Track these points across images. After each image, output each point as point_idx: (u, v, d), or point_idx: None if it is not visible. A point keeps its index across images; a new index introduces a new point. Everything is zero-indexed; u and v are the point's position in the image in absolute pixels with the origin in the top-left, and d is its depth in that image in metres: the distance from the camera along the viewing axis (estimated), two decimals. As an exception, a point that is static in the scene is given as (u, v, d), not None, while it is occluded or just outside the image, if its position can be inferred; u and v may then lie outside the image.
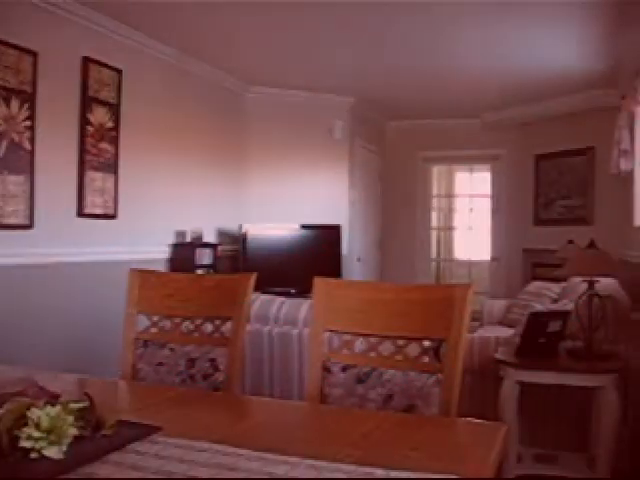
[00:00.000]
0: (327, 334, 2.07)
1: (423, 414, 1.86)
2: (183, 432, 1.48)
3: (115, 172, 5.02)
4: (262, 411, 1.91)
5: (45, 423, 1.26)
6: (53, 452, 1.25)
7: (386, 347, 1.99)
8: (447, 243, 10.09)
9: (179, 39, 5.37)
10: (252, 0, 4.39)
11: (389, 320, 1.98)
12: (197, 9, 4.60)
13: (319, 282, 2.10)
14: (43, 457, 1.24)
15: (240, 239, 6.47)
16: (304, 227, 6.75)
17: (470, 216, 9.24)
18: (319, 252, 6.75)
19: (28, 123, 4.21)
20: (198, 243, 5.85)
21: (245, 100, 6.98)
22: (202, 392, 2.16)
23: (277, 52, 5.72)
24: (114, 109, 5.00)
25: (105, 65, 4.89)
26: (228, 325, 2.23)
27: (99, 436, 1.38)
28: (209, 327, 2.27)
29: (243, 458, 1.33)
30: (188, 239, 5.85)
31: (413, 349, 1.94)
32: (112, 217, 5.02)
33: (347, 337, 2.04)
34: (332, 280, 2.15)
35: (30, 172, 4.23)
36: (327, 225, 6.89)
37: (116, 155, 5.03)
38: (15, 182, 4.13)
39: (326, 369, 2.03)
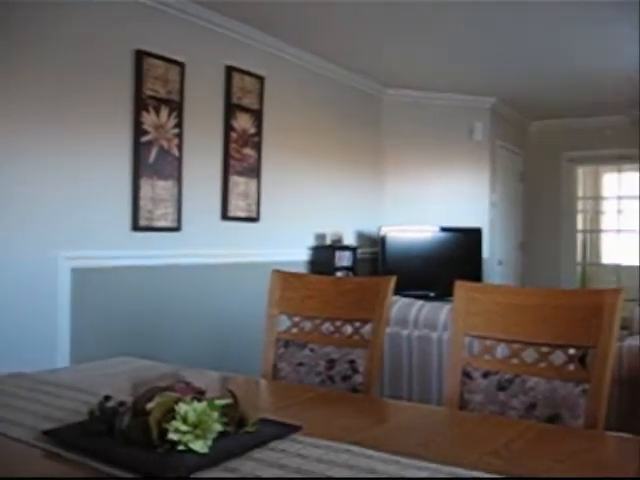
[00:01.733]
0: (467, 339, 2.02)
1: (568, 425, 1.79)
2: (322, 432, 1.49)
3: (257, 176, 5.17)
4: (400, 414, 1.90)
5: (192, 418, 1.31)
6: (199, 446, 1.29)
7: (529, 354, 1.92)
8: (594, 246, 9.63)
9: (318, 45, 5.45)
10: (391, 1, 4.38)
11: (532, 326, 1.92)
12: (336, 15, 4.65)
13: (460, 286, 2.07)
14: (189, 450, 1.29)
15: (379, 242, 6.47)
16: (444, 230, 6.66)
17: (619, 218, 8.78)
18: (459, 255, 6.64)
19: (176, 131, 4.41)
20: (338, 246, 5.90)
21: (382, 102, 6.98)
22: (341, 393, 2.17)
23: (417, 54, 5.68)
24: (256, 115, 5.14)
25: (247, 73, 5.04)
26: (368, 327, 2.24)
27: (242, 433, 1.42)
28: (349, 329, 2.28)
29: (381, 461, 1.32)
30: (328, 242, 5.92)
31: (558, 357, 1.87)
32: (255, 220, 5.16)
33: (488, 342, 1.99)
34: (473, 284, 2.10)
35: (178, 177, 4.44)
36: (467, 228, 6.76)
37: (258, 160, 5.17)
38: (164, 187, 4.33)
39: (466, 374, 1.99)
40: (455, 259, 6.57)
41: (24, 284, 3.59)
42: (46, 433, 1.43)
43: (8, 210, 3.51)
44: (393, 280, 2.25)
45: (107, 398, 1.48)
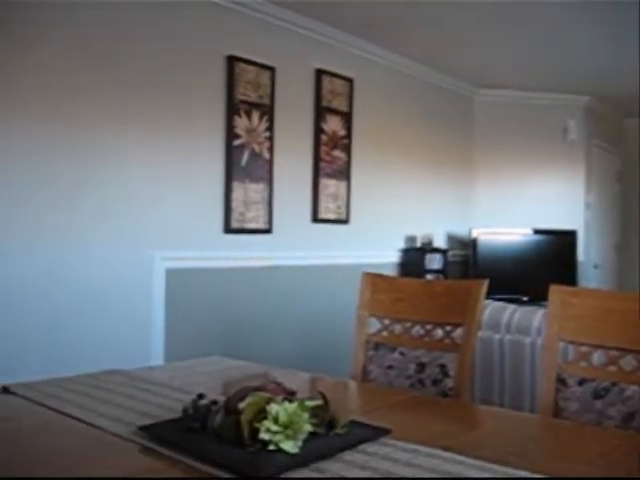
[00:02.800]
0: (562, 344, 1.97)
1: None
2: (412, 436, 1.48)
3: (347, 178, 5.18)
4: (491, 420, 1.86)
5: (283, 418, 1.32)
6: (289, 446, 1.30)
7: (627, 361, 1.85)
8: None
9: (408, 46, 5.42)
10: (481, 1, 4.32)
11: (631, 332, 1.84)
12: (425, 15, 4.61)
13: (555, 290, 2.01)
14: (280, 450, 1.30)
15: (470, 244, 6.38)
16: (537, 232, 6.50)
17: None
18: (553, 258, 6.47)
19: (267, 134, 4.47)
20: (428, 248, 5.85)
21: (473, 103, 6.88)
22: (431, 397, 2.15)
23: (508, 54, 5.57)
24: (346, 117, 5.15)
25: (337, 75, 5.06)
26: (459, 331, 2.21)
27: (332, 434, 1.42)
28: (439, 332, 2.26)
29: (471, 468, 1.30)
30: (418, 244, 5.87)
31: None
32: (344, 222, 5.18)
33: (584, 349, 1.93)
34: (568, 288, 2.05)
35: (269, 180, 4.50)
36: (561, 230, 6.58)
37: (348, 162, 5.19)
38: (255, 190, 4.40)
39: (561, 381, 1.94)
40: (549, 262, 6.41)
41: (122, 283, 3.72)
42: (142, 429, 1.47)
43: (109, 212, 3.64)
44: (485, 283, 2.21)
45: (200, 396, 1.51)
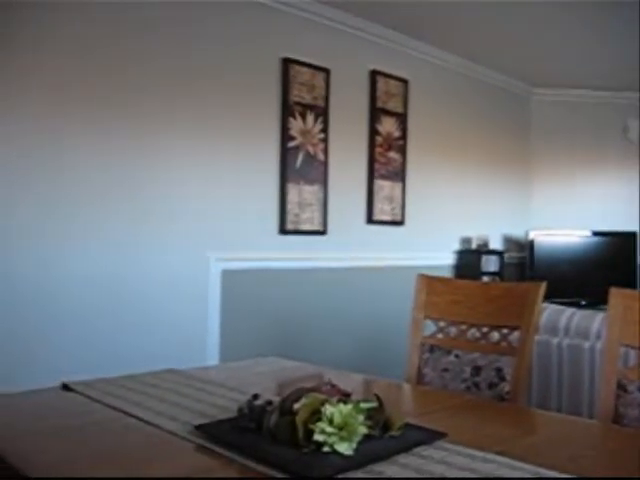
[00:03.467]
0: (623, 349, 1.92)
1: None
2: (468, 440, 1.46)
3: (402, 180, 5.16)
4: (549, 426, 1.83)
5: (338, 420, 1.32)
6: (344, 448, 1.30)
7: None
8: None
9: (462, 46, 5.37)
10: (537, 1, 4.25)
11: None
12: (481, 14, 4.57)
13: (615, 293, 1.97)
14: (334, 452, 1.30)
15: (527, 246, 6.28)
16: (596, 234, 6.37)
17: None
18: (612, 261, 6.32)
19: (322, 135, 4.49)
20: (484, 250, 5.79)
21: (530, 102, 6.77)
22: (487, 401, 2.13)
23: (566, 52, 5.48)
24: (401, 118, 5.13)
25: (392, 76, 5.05)
26: (516, 334, 2.18)
27: (387, 437, 1.41)
28: (496, 335, 2.23)
29: (528, 474, 1.28)
30: (474, 246, 5.81)
31: None
32: (399, 224, 5.16)
33: (646, 353, 1.88)
34: (630, 291, 2.00)
35: (324, 181, 4.51)
36: (621, 232, 6.42)
37: (403, 163, 5.17)
38: (310, 191, 4.42)
39: (621, 387, 1.89)
40: (607, 265, 6.27)
41: (179, 283, 3.77)
42: (198, 428, 1.49)
43: (165, 214, 3.70)
44: (543, 286, 2.17)
45: (255, 397, 1.52)
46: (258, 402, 1.49)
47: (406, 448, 1.39)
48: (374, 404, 1.43)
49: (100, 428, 1.59)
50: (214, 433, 1.45)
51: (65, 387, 1.93)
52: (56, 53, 3.27)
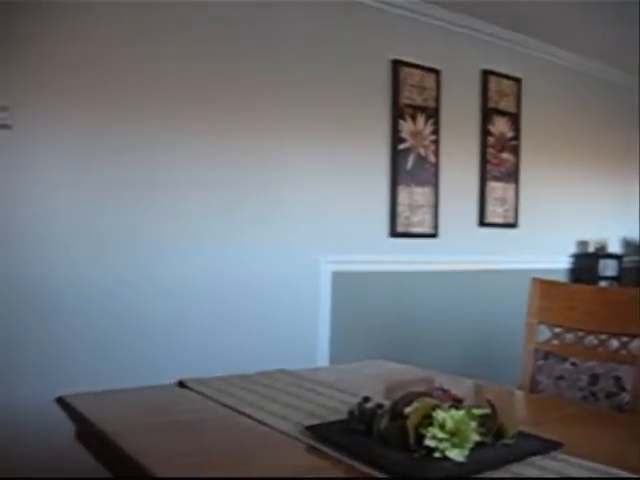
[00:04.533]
0: None
1: None
2: (584, 452, 1.40)
3: (515, 181, 5.04)
4: (674, 439, 1.74)
5: (449, 425, 1.30)
6: (455, 454, 1.28)
7: None
8: None
9: (579, 42, 5.18)
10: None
11: None
12: (596, 10, 4.40)
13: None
14: (445, 458, 1.28)
15: (648, 250, 6.01)
16: None
17: None
18: None
19: (433, 137, 4.44)
20: (601, 254, 5.57)
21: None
22: (605, 412, 2.04)
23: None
24: (514, 118, 5.01)
25: (504, 76, 4.94)
26: (636, 342, 2.08)
27: (500, 445, 1.38)
28: (614, 343, 2.14)
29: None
30: (591, 249, 5.60)
31: None
32: (513, 226, 5.04)
33: None
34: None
35: (435, 183, 4.46)
36: None
37: (516, 164, 5.04)
38: (421, 193, 4.38)
39: None
40: None
41: (291, 285, 3.83)
42: (309, 428, 1.50)
43: (279, 216, 3.76)
44: (666, 292, 2.07)
45: (366, 399, 1.52)
46: (369, 405, 1.49)
47: (520, 457, 1.35)
48: (487, 410, 1.41)
49: (214, 425, 1.64)
50: (325, 434, 1.46)
51: (181, 384, 2.00)
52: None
